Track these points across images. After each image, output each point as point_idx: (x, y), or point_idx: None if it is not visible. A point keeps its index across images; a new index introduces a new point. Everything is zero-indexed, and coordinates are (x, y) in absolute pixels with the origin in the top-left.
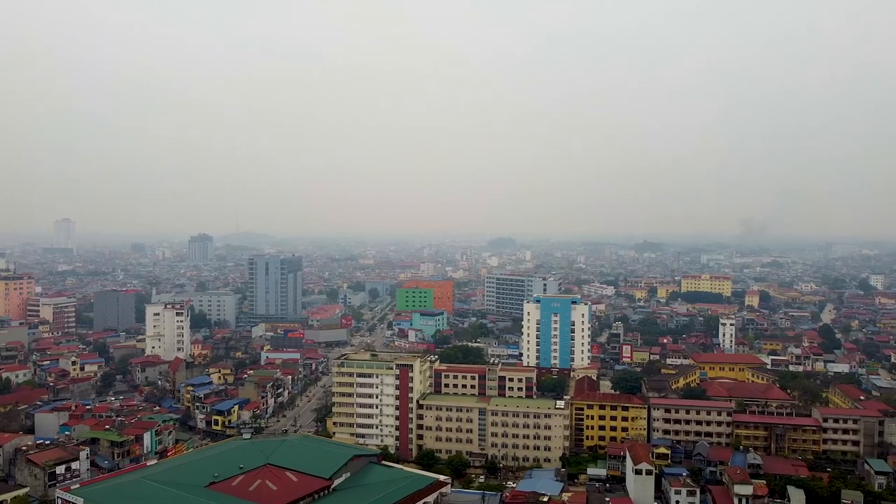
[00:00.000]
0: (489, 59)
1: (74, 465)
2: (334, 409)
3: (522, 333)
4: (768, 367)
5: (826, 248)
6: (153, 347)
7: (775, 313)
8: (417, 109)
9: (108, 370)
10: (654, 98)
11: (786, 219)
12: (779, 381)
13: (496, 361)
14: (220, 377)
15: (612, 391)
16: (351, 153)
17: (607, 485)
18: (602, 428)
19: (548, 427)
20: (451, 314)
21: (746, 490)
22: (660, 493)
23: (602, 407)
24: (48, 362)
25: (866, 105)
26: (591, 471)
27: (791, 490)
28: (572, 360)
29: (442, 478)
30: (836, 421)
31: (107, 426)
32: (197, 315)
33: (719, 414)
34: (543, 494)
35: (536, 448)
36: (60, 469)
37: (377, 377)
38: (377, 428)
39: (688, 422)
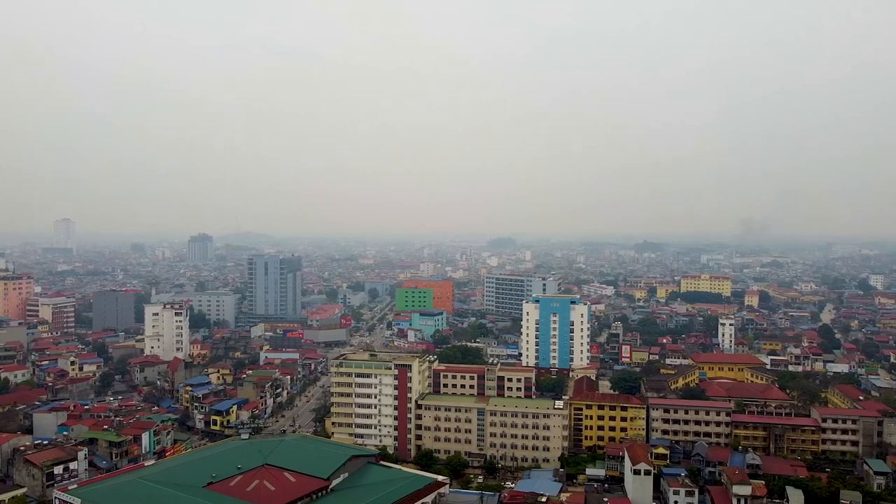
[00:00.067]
0: (489, 59)
1: (72, 466)
2: (333, 410)
3: (521, 333)
4: (767, 367)
5: (826, 248)
6: (152, 347)
7: (775, 313)
8: (417, 109)
9: (107, 370)
10: (654, 98)
11: (786, 219)
12: (778, 382)
13: (495, 361)
14: (218, 377)
15: (611, 391)
16: (351, 153)
17: (606, 485)
18: (601, 428)
19: (546, 427)
20: (450, 314)
21: (745, 490)
22: (658, 494)
23: (601, 407)
24: (47, 362)
25: (866, 105)
26: (590, 471)
27: (790, 490)
28: (571, 360)
29: (440, 478)
30: (835, 421)
31: (105, 426)
32: (196, 315)
33: (718, 414)
34: (542, 495)
35: (535, 448)
36: (58, 469)
37: (376, 377)
38: (376, 428)
39: (687, 422)
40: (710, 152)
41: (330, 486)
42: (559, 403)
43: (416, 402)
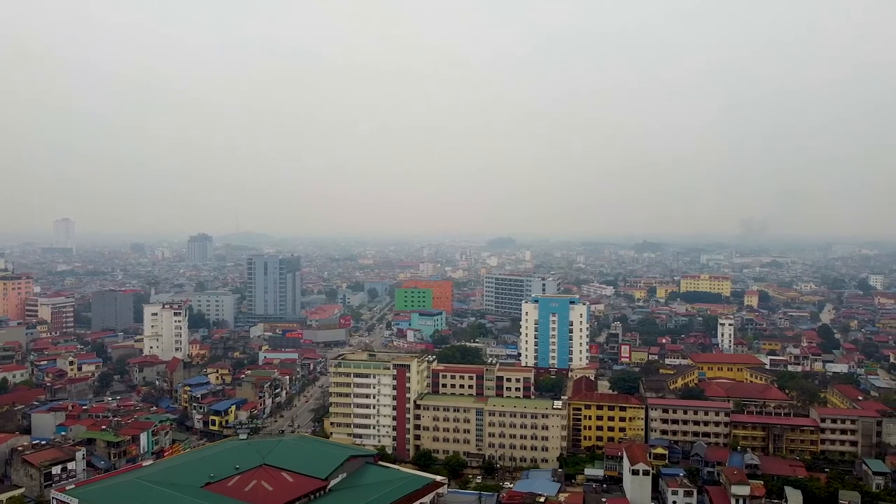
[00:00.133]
0: (489, 59)
1: (70, 466)
2: (331, 410)
3: (521, 333)
4: (767, 367)
5: (826, 248)
6: (151, 347)
7: (774, 313)
8: (417, 109)
9: (106, 370)
10: (654, 98)
11: (786, 219)
12: (777, 382)
13: (494, 361)
14: (217, 377)
15: (610, 391)
16: (351, 153)
17: (604, 485)
18: (600, 428)
19: (545, 427)
20: (449, 314)
21: (744, 490)
22: (657, 494)
23: (600, 407)
24: (46, 362)
25: (866, 105)
26: (589, 471)
27: (788, 490)
28: (570, 360)
29: (438, 478)
30: (833, 421)
31: (103, 426)
32: (195, 315)
33: (717, 414)
34: (540, 495)
35: (534, 448)
36: (56, 469)
37: (374, 377)
38: (374, 428)
39: (685, 422)
40: (710, 152)
41: (328, 487)
42: (558, 403)
43: (414, 402)
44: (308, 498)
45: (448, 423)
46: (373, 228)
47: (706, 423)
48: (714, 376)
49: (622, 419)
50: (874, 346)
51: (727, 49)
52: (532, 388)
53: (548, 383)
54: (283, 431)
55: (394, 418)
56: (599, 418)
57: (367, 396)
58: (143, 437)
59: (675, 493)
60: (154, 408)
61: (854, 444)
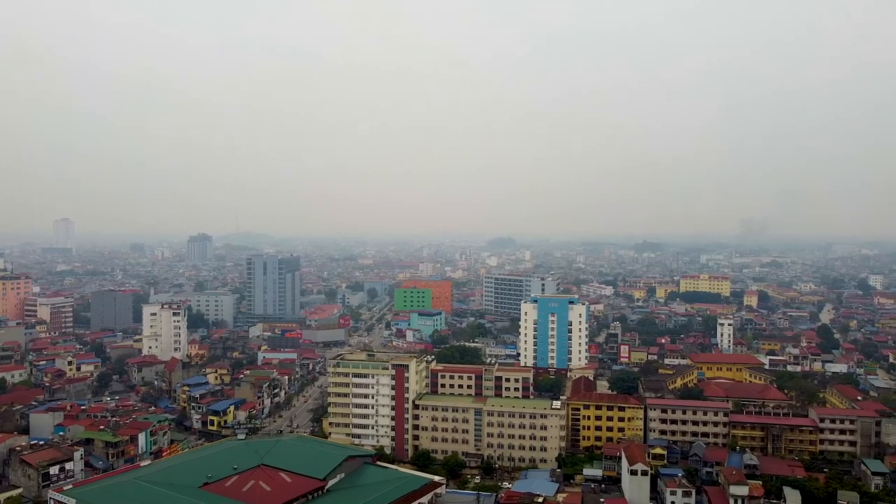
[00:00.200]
0: (489, 59)
1: (68, 466)
2: (330, 410)
3: (520, 333)
4: (766, 367)
5: (826, 248)
6: (150, 347)
7: (774, 313)
8: (417, 109)
9: (105, 370)
10: (654, 98)
11: (786, 219)
12: (776, 382)
13: (493, 361)
14: (216, 377)
15: (609, 391)
16: (351, 153)
17: (603, 485)
18: (598, 428)
19: (544, 427)
20: (449, 314)
21: (742, 491)
22: (655, 494)
23: (598, 407)
24: (44, 362)
25: (866, 105)
26: (588, 471)
27: (787, 491)
28: (569, 360)
29: (437, 478)
30: (832, 421)
31: (101, 426)
32: (195, 315)
33: (716, 414)
34: (538, 495)
35: (532, 448)
36: (54, 469)
37: (373, 377)
38: (373, 428)
39: (684, 422)
40: (710, 152)
41: (326, 487)
42: (557, 404)
43: (413, 402)
44: (306, 498)
45: (447, 424)
46: (373, 228)
47: (705, 424)
48: (713, 376)
49: (621, 419)
50: (873, 346)
51: (727, 49)
52: (531, 389)
53: (547, 383)
54: (281, 431)
55: (392, 418)
56: (598, 418)
57: (366, 396)
58: (142, 438)
59: (673, 493)
60: (153, 408)
61: (853, 444)
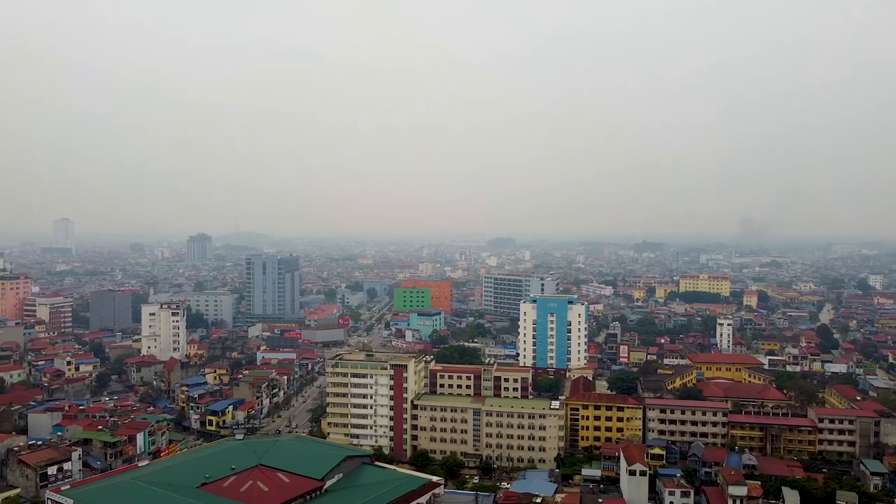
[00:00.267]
0: (489, 59)
1: (66, 466)
2: (328, 410)
3: (519, 333)
4: (765, 367)
5: (825, 248)
6: (149, 347)
7: (773, 313)
8: (417, 109)
9: (104, 370)
10: (654, 98)
11: (786, 219)
12: (775, 382)
13: (492, 362)
14: (215, 377)
15: (608, 391)
16: (351, 153)
17: (602, 486)
18: (597, 428)
19: (543, 427)
20: (448, 314)
21: (741, 491)
22: (654, 494)
23: (597, 407)
24: (43, 362)
25: (866, 105)
26: (586, 471)
27: (786, 491)
28: (568, 360)
29: (435, 479)
30: (831, 421)
31: (100, 427)
32: (194, 315)
33: (715, 414)
34: (536, 495)
35: (531, 449)
36: (52, 470)
37: (371, 377)
38: (371, 428)
39: (683, 422)
40: (710, 152)
41: (324, 487)
42: (555, 404)
43: (411, 402)
44: (304, 498)
45: (445, 424)
46: (373, 228)
47: (704, 424)
48: (712, 376)
49: (620, 419)
50: (873, 346)
51: (727, 49)
52: (530, 389)
53: (546, 383)
54: (279, 432)
55: (391, 418)
56: (597, 418)
57: (365, 397)
58: (140, 438)
59: (671, 493)
60: (151, 408)
61: (852, 444)
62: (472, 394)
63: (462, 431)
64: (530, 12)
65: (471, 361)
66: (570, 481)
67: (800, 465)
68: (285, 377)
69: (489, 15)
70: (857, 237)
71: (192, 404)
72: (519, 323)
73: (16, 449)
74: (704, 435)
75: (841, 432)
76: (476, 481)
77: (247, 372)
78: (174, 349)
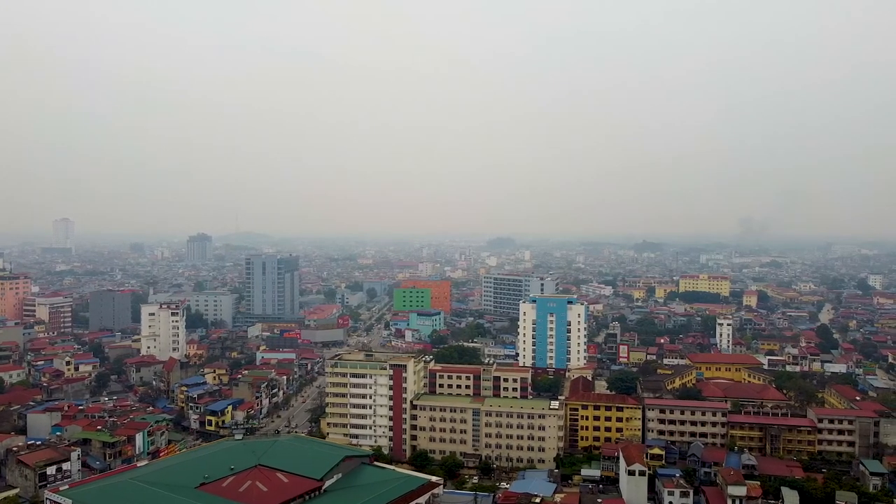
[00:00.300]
0: (489, 59)
1: (65, 466)
2: (328, 410)
3: (518, 333)
4: (765, 367)
5: (825, 248)
6: (148, 347)
7: (773, 313)
8: (417, 109)
9: (103, 370)
10: (654, 98)
11: (785, 219)
12: (775, 382)
13: (492, 362)
14: (214, 377)
15: (608, 391)
16: (351, 153)
17: (601, 486)
18: (597, 428)
19: (542, 428)
20: (448, 314)
21: (740, 491)
22: (653, 494)
23: (597, 407)
24: (42, 362)
25: (866, 105)
26: (585, 471)
27: (785, 491)
28: (568, 360)
29: (434, 479)
30: (831, 421)
31: (99, 427)
32: (194, 315)
33: (714, 414)
34: (535, 495)
35: (530, 449)
36: (51, 470)
37: (371, 377)
38: (371, 428)
39: (682, 422)
40: (710, 152)
41: (323, 487)
42: (555, 404)
43: (411, 402)
44: (303, 498)
45: (445, 424)
46: (372, 228)
47: (703, 424)
48: (712, 376)
49: (619, 419)
50: (873, 346)
51: (727, 49)
52: (529, 389)
53: (545, 383)
54: (278, 432)
55: (390, 419)
56: (596, 419)
57: (364, 397)
58: (139, 438)
59: (671, 493)
60: (150, 408)
61: (851, 444)
62: (472, 394)
63: (461, 431)
64: (530, 12)
65: (470, 361)
66: (570, 481)
67: (799, 466)
68: (285, 377)
69: (489, 15)
70: (857, 237)
71: (191, 404)
72: (518, 323)
73: (15, 449)
74: (704, 435)
75: (840, 432)
76: (475, 481)
77: (246, 372)
78: (174, 349)
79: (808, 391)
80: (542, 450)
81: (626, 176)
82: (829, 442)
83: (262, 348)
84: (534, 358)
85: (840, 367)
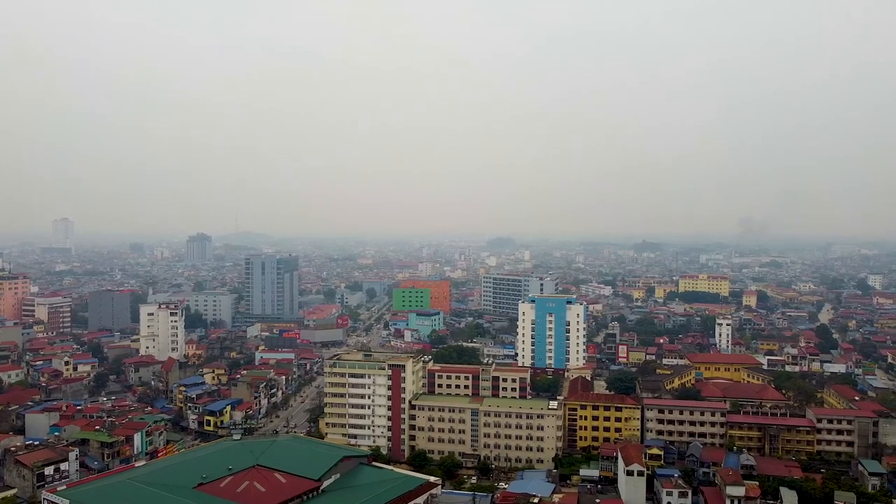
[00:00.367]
0: (489, 59)
1: (63, 467)
2: (326, 410)
3: (517, 333)
4: (764, 367)
5: (825, 248)
6: (147, 347)
7: (773, 313)
8: (417, 109)
9: (102, 370)
10: (654, 98)
11: (785, 219)
12: (774, 382)
13: (491, 362)
14: (213, 377)
15: (607, 391)
16: (351, 153)
17: (599, 486)
18: (595, 429)
19: (540, 428)
20: (447, 314)
21: (738, 491)
22: (652, 495)
23: (595, 407)
24: (41, 362)
25: (866, 105)
26: (584, 472)
27: (784, 491)
28: (567, 360)
29: (432, 479)
30: (830, 421)
31: (97, 427)
32: (193, 315)
33: (713, 414)
34: (534, 496)
35: (529, 449)
36: (49, 470)
37: (369, 377)
38: (369, 429)
39: (681, 422)
40: (710, 152)
41: (321, 487)
42: (553, 404)
43: (409, 402)
44: (301, 499)
45: (443, 424)
46: (372, 228)
47: (702, 424)
48: (711, 376)
49: (618, 419)
50: (872, 346)
51: (727, 49)
52: (528, 389)
53: (544, 383)
54: (277, 432)
55: (389, 419)
56: (595, 419)
57: (362, 397)
58: (137, 438)
59: (669, 493)
60: (149, 408)
61: (850, 444)
62: (471, 394)
63: (460, 432)
64: (530, 12)
65: (469, 361)
66: (568, 482)
67: (798, 466)
68: (284, 377)
69: (489, 15)
70: (857, 237)
71: (189, 404)
72: (517, 323)
73: (13, 449)
74: (703, 435)
75: (839, 432)
76: (474, 481)
77: (245, 372)
78: (172, 349)
79: (807, 391)
80: (540, 450)
81: (626, 176)
82: (828, 442)
83: (261, 348)
84: (533, 358)
85: (839, 367)
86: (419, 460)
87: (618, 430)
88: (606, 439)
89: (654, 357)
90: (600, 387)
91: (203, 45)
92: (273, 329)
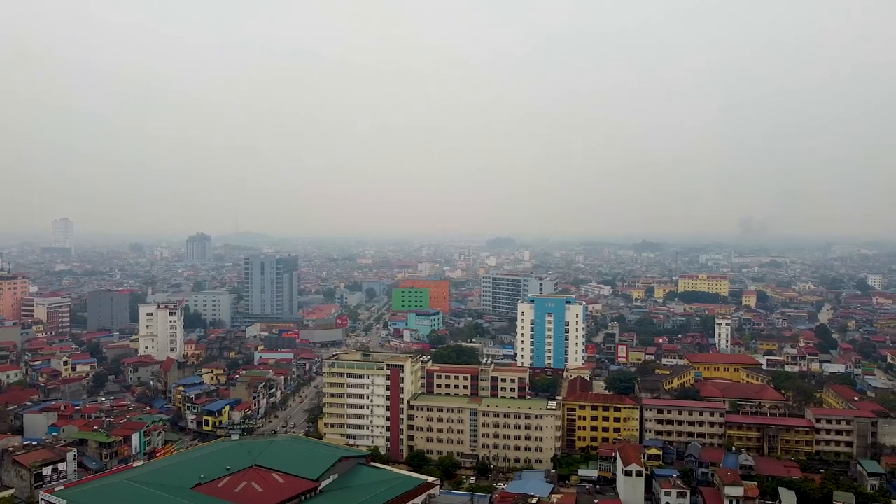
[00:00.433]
0: (489, 59)
1: (61, 467)
2: (325, 410)
3: (517, 333)
4: (763, 367)
5: (825, 248)
6: (146, 347)
7: (772, 313)
8: (417, 109)
9: (101, 370)
10: (654, 98)
11: (785, 219)
12: (773, 382)
13: (490, 362)
14: (212, 377)
15: (606, 392)
16: (351, 153)
17: (598, 486)
18: (594, 429)
19: (539, 428)
20: (447, 314)
21: (737, 492)
22: (650, 495)
23: (594, 408)
24: (40, 362)
25: (866, 105)
26: (583, 472)
27: (782, 492)
28: (566, 360)
29: (430, 479)
30: (829, 422)
31: (95, 427)
32: (192, 315)
33: (712, 415)
34: (532, 496)
35: (528, 449)
36: (47, 470)
37: (368, 377)
38: (368, 429)
39: (680, 422)
40: (710, 152)
41: (319, 488)
42: (552, 404)
43: (408, 402)
44: (299, 499)
45: (442, 424)
46: (372, 228)
47: (701, 424)
48: (710, 376)
49: (617, 420)
50: (872, 346)
51: (727, 49)
52: (527, 389)
53: (543, 383)
54: (275, 432)
55: (387, 419)
56: (594, 419)
57: (361, 397)
58: (135, 438)
59: (668, 493)
60: (148, 408)
61: (849, 444)
62: (469, 394)
63: (458, 432)
64: (530, 12)
65: (468, 361)
66: (567, 482)
67: (797, 466)
68: (282, 377)
69: (489, 15)
70: (857, 237)
71: (188, 404)
72: (517, 323)
73: (11, 449)
74: (702, 435)
75: (838, 433)
76: (472, 482)
77: (244, 372)
78: (171, 349)
79: (806, 391)
80: (539, 450)
81: (626, 176)
82: (827, 442)
83: (260, 348)
84: (532, 358)
85: (839, 368)
86: (418, 460)
87: (616, 430)
88: (605, 439)
89: (653, 357)
90: (599, 387)
91: (203, 45)
92: (272, 329)
